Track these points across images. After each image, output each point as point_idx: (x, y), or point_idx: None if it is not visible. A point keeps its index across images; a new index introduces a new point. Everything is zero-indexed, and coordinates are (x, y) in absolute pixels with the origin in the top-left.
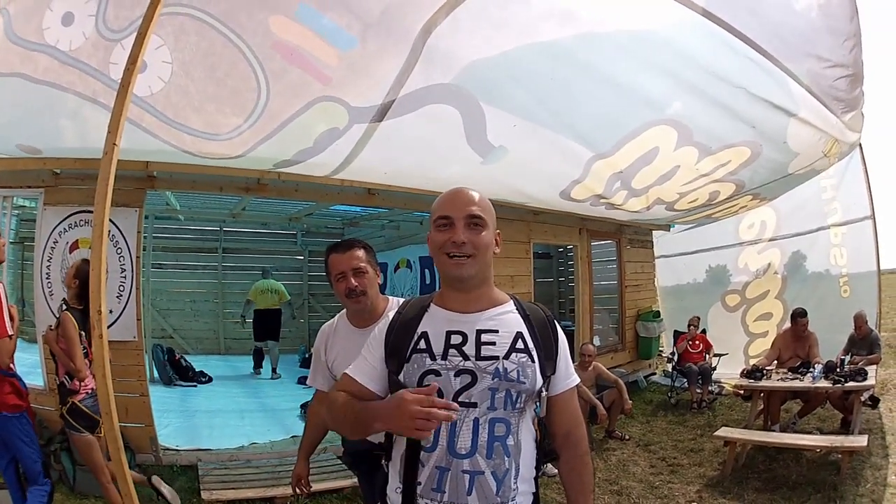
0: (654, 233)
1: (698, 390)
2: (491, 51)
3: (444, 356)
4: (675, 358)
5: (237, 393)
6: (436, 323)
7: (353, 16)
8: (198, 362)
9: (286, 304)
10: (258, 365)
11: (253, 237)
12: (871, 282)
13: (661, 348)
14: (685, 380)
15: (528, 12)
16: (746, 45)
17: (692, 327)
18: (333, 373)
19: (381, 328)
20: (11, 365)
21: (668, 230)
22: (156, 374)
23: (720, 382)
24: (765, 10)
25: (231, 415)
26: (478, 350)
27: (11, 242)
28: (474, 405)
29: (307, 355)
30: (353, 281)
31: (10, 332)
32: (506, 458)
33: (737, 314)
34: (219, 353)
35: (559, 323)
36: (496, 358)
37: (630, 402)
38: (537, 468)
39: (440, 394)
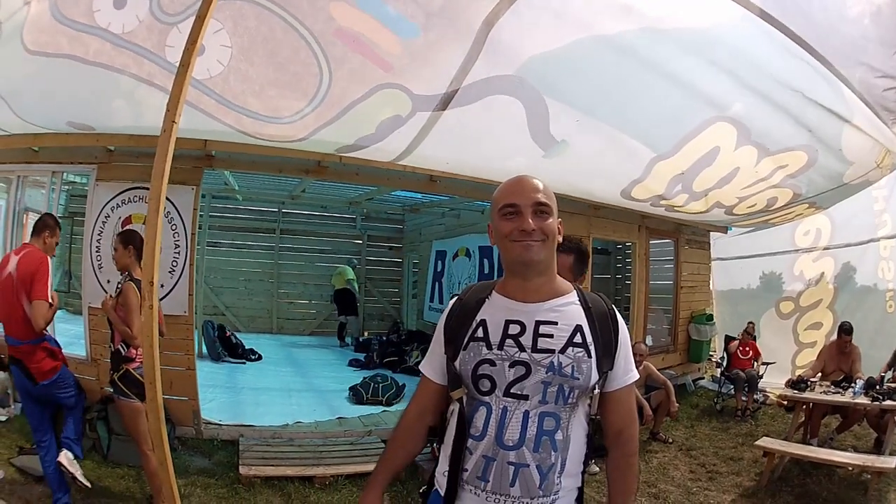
0: (712, 235)
1: (744, 398)
2: (553, 43)
3: (501, 346)
4: (725, 363)
5: (286, 372)
6: (495, 311)
7: (415, 4)
8: (249, 340)
9: (350, 284)
10: (341, 337)
11: (311, 220)
12: None
13: (711, 353)
14: (732, 386)
15: (589, 5)
16: (801, 48)
17: (746, 333)
18: None
19: (443, 314)
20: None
21: (726, 232)
22: (205, 349)
23: (765, 391)
24: (817, 15)
25: (278, 393)
26: (534, 342)
27: (60, 217)
28: (526, 398)
29: (359, 339)
30: None
31: (52, 302)
32: (553, 453)
33: (789, 322)
34: (271, 332)
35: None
36: (552, 351)
37: (677, 405)
38: (585, 463)
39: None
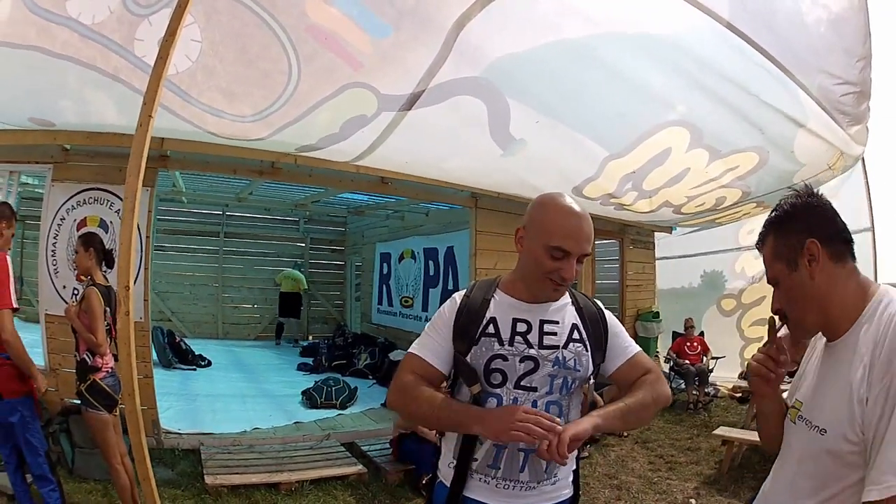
0: (656, 234)
1: (695, 391)
2: (520, 46)
3: (511, 342)
4: (672, 359)
5: (237, 378)
6: (503, 310)
7: (388, 4)
8: (196, 346)
9: (304, 291)
10: (279, 336)
11: (255, 223)
12: None
13: (657, 350)
14: (682, 381)
15: (557, 10)
16: (764, 57)
17: (689, 328)
18: None
19: (448, 308)
20: None
21: (671, 232)
22: (155, 356)
23: (716, 385)
24: (781, 26)
25: (232, 399)
26: (540, 339)
27: None
28: (535, 389)
29: (305, 344)
30: None
31: (15, 306)
32: None
33: (732, 318)
34: (217, 337)
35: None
36: (556, 347)
37: None
38: (579, 448)
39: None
